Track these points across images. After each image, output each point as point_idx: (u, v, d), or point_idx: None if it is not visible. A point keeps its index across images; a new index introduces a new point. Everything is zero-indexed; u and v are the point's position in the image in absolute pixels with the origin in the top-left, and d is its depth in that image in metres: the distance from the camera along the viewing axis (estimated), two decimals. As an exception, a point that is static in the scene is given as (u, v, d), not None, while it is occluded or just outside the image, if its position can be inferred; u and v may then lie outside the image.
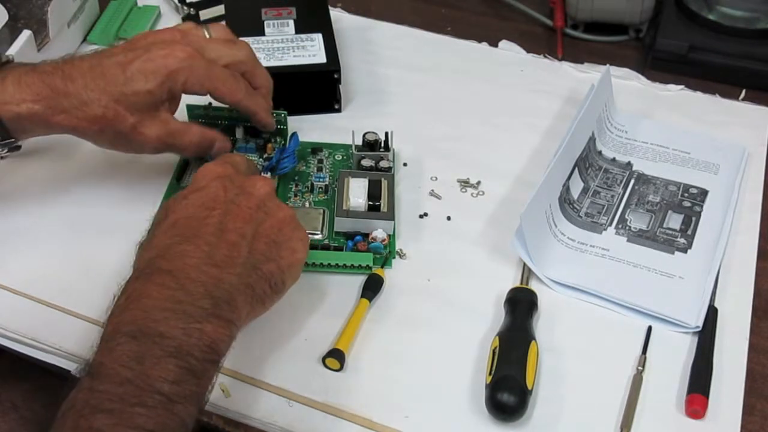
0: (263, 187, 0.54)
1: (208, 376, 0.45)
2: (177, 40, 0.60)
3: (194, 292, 0.46)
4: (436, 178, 0.69)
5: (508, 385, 0.52)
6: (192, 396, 0.44)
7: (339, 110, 0.75)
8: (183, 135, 0.61)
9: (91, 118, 0.58)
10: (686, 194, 0.68)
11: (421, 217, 0.66)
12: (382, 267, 0.61)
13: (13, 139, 0.59)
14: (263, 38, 0.75)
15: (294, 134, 0.67)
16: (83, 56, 0.60)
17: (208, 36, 0.62)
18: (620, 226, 0.65)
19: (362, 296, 0.59)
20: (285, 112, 0.68)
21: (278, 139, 0.69)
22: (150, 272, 0.47)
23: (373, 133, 0.68)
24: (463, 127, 0.74)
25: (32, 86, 0.57)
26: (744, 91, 0.78)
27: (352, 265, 0.61)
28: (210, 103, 0.68)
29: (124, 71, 0.58)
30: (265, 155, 0.67)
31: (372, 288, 0.60)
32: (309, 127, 0.72)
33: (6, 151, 0.60)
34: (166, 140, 0.60)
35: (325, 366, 0.55)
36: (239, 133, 0.68)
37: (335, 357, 0.55)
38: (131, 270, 0.49)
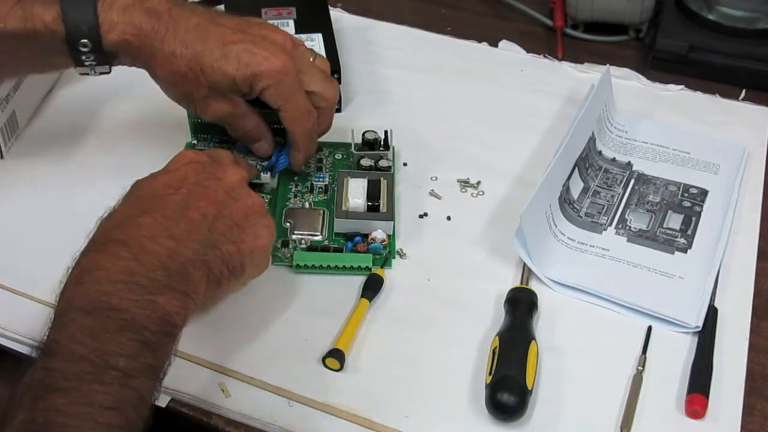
0: (234, 174, 0.54)
1: (164, 350, 0.45)
2: (284, 49, 0.60)
3: (148, 263, 0.46)
4: (436, 178, 0.69)
5: (508, 385, 0.52)
6: (149, 369, 0.43)
7: (339, 110, 0.75)
8: (243, 120, 0.62)
9: (173, 71, 0.58)
10: (686, 194, 0.68)
11: (421, 217, 0.66)
12: (382, 267, 0.61)
13: (107, 65, 0.60)
14: (263, 38, 0.75)
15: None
16: (195, 8, 0.60)
17: (312, 60, 0.62)
18: (620, 226, 0.65)
19: (362, 296, 0.59)
20: None
21: (278, 139, 0.68)
22: (104, 242, 0.47)
23: (373, 131, 0.68)
24: (463, 127, 0.74)
25: (135, 19, 0.57)
26: (744, 91, 0.78)
27: (352, 266, 0.61)
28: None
29: (224, 47, 0.58)
30: None
31: (372, 288, 0.60)
32: (309, 127, 0.72)
33: (97, 74, 0.61)
34: (226, 118, 0.62)
35: (325, 366, 0.55)
36: None
37: (335, 357, 0.55)
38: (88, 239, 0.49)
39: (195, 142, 0.69)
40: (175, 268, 0.47)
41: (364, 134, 0.68)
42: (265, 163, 0.65)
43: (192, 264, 0.48)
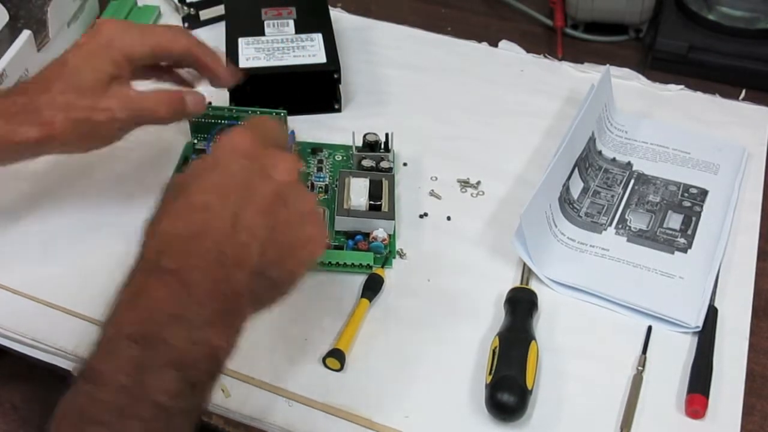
0: (284, 172, 0.48)
1: (207, 389, 0.43)
2: (100, 24, 0.59)
3: (199, 297, 0.43)
4: (436, 178, 0.69)
5: (508, 385, 0.52)
6: (190, 410, 0.42)
7: (339, 110, 0.75)
8: (146, 100, 0.59)
9: (48, 121, 0.56)
10: (686, 194, 0.68)
11: (421, 217, 0.66)
12: (382, 267, 0.61)
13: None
14: (263, 38, 0.75)
15: (291, 132, 0.67)
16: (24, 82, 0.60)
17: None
18: (620, 226, 0.65)
19: (362, 296, 0.59)
20: (284, 111, 0.68)
21: None
22: (153, 267, 0.44)
23: (374, 134, 0.68)
24: (463, 127, 0.74)
25: None
26: (744, 91, 0.78)
27: (353, 264, 0.61)
28: (210, 102, 0.68)
29: (65, 65, 0.57)
30: None
31: (372, 288, 0.60)
32: (309, 127, 0.72)
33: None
34: (130, 108, 0.58)
35: (326, 366, 0.55)
36: None
37: (335, 357, 0.55)
38: (137, 250, 0.46)
39: (195, 141, 0.69)
40: (226, 303, 0.44)
41: (365, 136, 0.68)
42: None
43: (242, 295, 0.45)
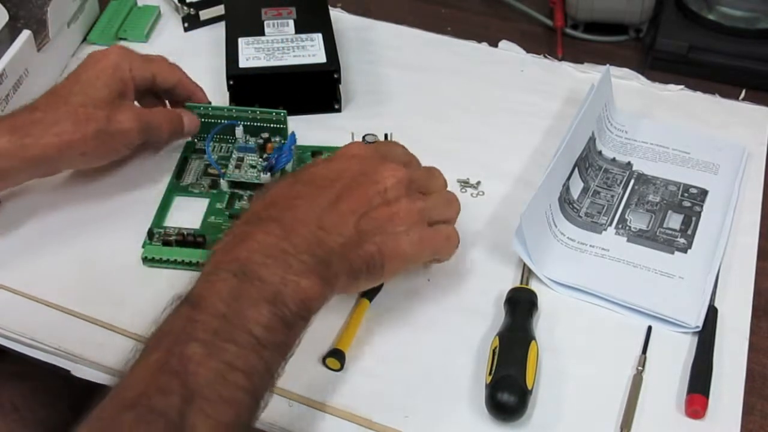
0: (390, 177, 0.53)
1: (297, 331, 0.47)
2: (110, 50, 0.64)
3: (298, 245, 0.47)
4: (436, 178, 0.69)
5: (508, 385, 0.52)
6: (280, 345, 0.45)
7: (339, 110, 0.75)
8: (153, 114, 0.64)
9: (69, 130, 0.59)
10: (686, 194, 0.68)
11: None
12: None
13: None
14: (263, 38, 0.75)
15: (292, 133, 0.67)
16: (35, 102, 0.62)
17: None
18: (620, 226, 0.65)
19: (362, 296, 0.59)
20: (284, 111, 0.68)
21: (278, 138, 0.69)
22: (259, 217, 0.49)
23: (373, 135, 0.68)
24: (463, 127, 0.74)
25: None
26: (744, 91, 0.78)
27: None
28: (210, 102, 0.68)
29: (77, 82, 0.61)
30: (265, 155, 0.67)
31: (372, 287, 0.60)
32: (309, 127, 0.72)
33: None
34: (141, 123, 0.62)
35: (326, 366, 0.55)
36: (239, 132, 0.68)
37: (336, 357, 0.55)
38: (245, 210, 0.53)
39: (195, 140, 0.69)
40: (321, 255, 0.48)
41: (364, 137, 0.68)
42: (265, 163, 0.65)
43: (336, 255, 0.49)
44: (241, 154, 0.66)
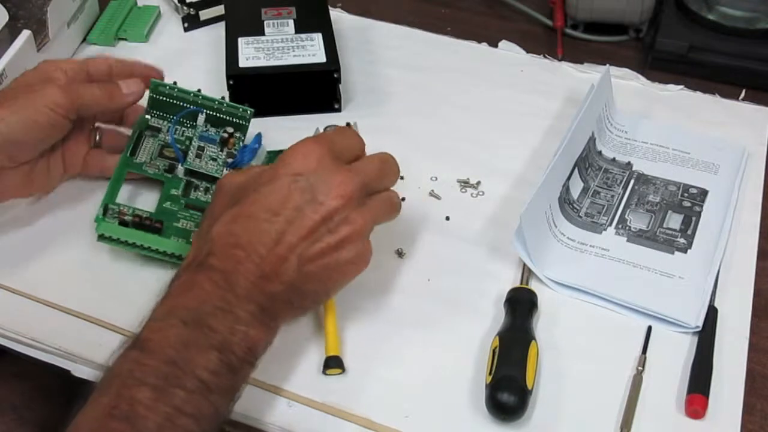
0: (336, 199, 0.51)
1: (243, 375, 0.48)
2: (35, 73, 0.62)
3: (241, 297, 0.48)
4: (436, 178, 0.69)
5: (508, 385, 0.52)
6: (228, 389, 0.47)
7: (339, 110, 0.75)
8: (82, 89, 0.61)
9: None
10: (686, 194, 0.68)
11: (421, 217, 0.66)
12: None
13: None
14: (263, 38, 0.75)
15: (259, 134, 0.68)
16: None
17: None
18: (620, 226, 0.65)
19: None
20: (252, 110, 0.67)
21: (239, 135, 0.67)
22: (203, 265, 0.49)
23: (333, 125, 0.69)
24: (463, 127, 0.74)
25: None
26: (744, 91, 0.78)
27: None
28: (175, 82, 0.67)
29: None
30: (226, 150, 0.66)
31: None
32: (309, 127, 0.71)
33: None
34: (69, 100, 0.59)
35: (328, 374, 0.55)
36: (200, 120, 0.67)
37: (335, 366, 0.55)
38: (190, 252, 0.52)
39: (149, 117, 0.67)
40: (265, 303, 0.49)
41: (326, 129, 0.69)
42: (230, 161, 0.65)
43: (280, 301, 0.50)
44: (202, 144, 0.65)
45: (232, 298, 0.48)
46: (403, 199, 0.67)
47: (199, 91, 0.67)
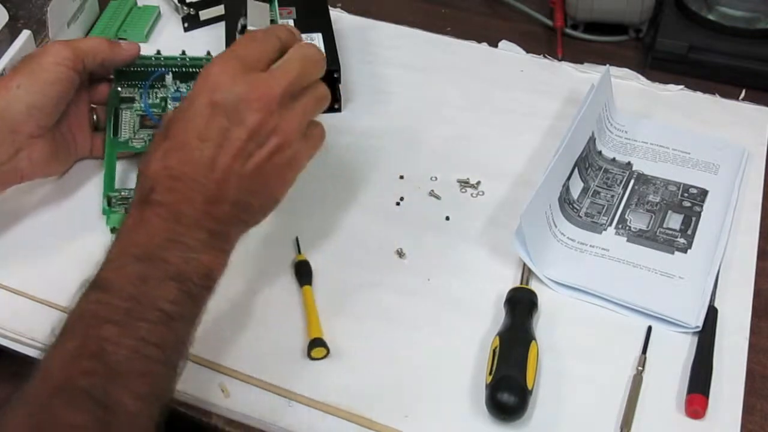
0: (258, 112, 0.50)
1: (203, 299, 0.49)
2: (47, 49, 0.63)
3: (189, 225, 0.49)
4: (436, 178, 0.69)
5: (508, 385, 0.52)
6: (189, 316, 0.48)
7: (339, 110, 0.75)
8: (83, 42, 0.63)
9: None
10: (686, 194, 0.68)
11: (420, 217, 0.66)
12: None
13: None
14: (263, 38, 0.75)
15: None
16: None
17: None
18: (620, 226, 0.65)
19: (302, 285, 0.60)
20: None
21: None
22: (147, 202, 0.49)
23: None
24: (463, 127, 0.74)
25: None
26: (744, 91, 0.78)
27: None
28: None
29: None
30: None
31: (306, 274, 0.61)
32: (309, 127, 0.72)
33: None
34: (72, 51, 0.61)
35: (312, 358, 0.56)
36: (168, 80, 0.67)
37: (318, 346, 0.56)
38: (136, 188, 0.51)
39: (120, 89, 0.67)
40: (213, 227, 0.50)
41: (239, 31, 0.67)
42: None
43: (227, 221, 0.51)
44: (176, 103, 0.65)
45: (181, 229, 0.49)
46: (403, 199, 0.67)
47: (158, 52, 0.68)
